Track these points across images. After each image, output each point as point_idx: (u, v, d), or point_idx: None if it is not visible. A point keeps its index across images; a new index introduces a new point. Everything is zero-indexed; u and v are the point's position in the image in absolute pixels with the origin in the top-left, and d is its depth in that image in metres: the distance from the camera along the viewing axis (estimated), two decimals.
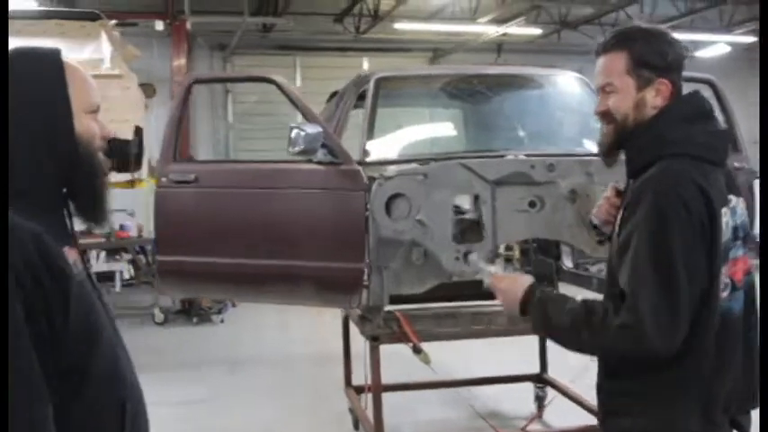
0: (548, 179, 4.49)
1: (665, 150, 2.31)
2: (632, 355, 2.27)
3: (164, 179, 4.82)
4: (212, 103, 17.44)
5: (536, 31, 16.94)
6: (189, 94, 5.09)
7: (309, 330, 9.63)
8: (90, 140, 1.89)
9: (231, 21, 15.18)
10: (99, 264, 11.36)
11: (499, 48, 19.01)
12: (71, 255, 1.79)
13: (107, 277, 11.75)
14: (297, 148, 4.46)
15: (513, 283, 2.55)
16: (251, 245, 4.64)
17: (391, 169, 4.50)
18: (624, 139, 2.42)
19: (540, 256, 6.09)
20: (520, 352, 6.64)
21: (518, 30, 16.37)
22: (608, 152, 2.51)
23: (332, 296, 4.70)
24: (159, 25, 14.65)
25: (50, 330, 1.67)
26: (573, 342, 2.38)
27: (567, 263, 5.86)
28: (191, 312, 11.11)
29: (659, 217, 2.20)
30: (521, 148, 5.03)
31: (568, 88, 5.76)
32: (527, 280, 2.53)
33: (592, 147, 5.26)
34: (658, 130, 2.34)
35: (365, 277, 4.47)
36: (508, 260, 12.76)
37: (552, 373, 6.44)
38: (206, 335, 10.45)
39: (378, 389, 4.72)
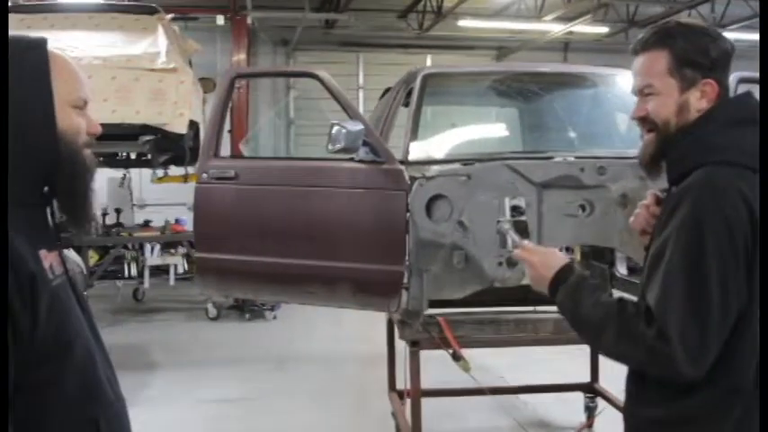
0: (598, 183, 4.30)
1: (709, 157, 2.09)
2: (659, 377, 2.08)
3: (204, 175, 4.74)
4: (274, 98, 17.49)
5: (603, 29, 16.60)
6: (231, 89, 5.00)
7: (362, 329, 9.50)
8: (74, 136, 1.77)
9: (293, 16, 15.15)
10: (153, 257, 11.39)
11: (566, 47, 18.77)
12: (48, 258, 1.68)
13: (162, 270, 11.80)
14: (337, 146, 4.33)
15: (548, 257, 2.35)
16: (289, 244, 4.54)
17: (433, 169, 4.36)
18: (667, 147, 2.21)
19: (593, 261, 5.89)
20: (572, 359, 6.43)
21: (584, 28, 16.07)
22: (650, 163, 2.29)
23: (370, 299, 4.57)
24: (220, 20, 14.69)
25: (16, 343, 1.55)
26: (596, 339, 2.19)
27: (622, 269, 5.64)
28: (244, 308, 11.10)
29: (696, 229, 2.00)
30: (571, 150, 4.83)
31: (624, 88, 5.51)
32: (563, 258, 2.33)
33: None
34: (702, 135, 2.13)
35: (404, 280, 4.33)
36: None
37: (603, 382, 6.21)
38: (258, 331, 10.41)
39: (417, 395, 4.58)
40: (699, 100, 2.16)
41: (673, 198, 2.13)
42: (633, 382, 2.26)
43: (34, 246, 1.66)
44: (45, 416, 1.63)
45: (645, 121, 2.24)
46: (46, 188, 1.78)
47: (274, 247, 4.54)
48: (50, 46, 1.80)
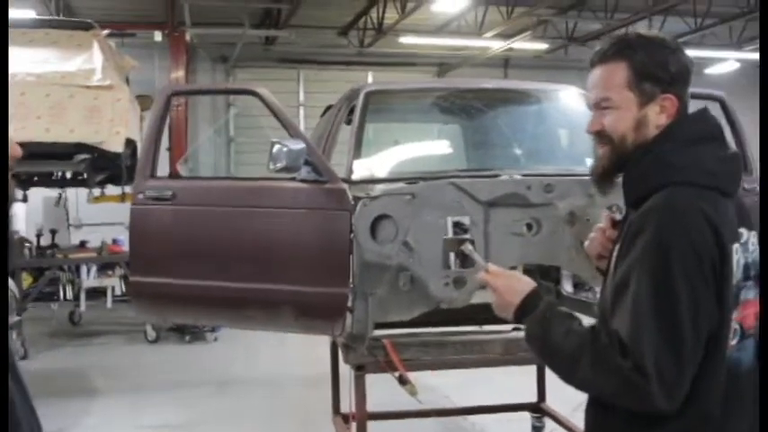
0: (545, 201, 4.21)
1: (670, 177, 2.01)
2: (629, 408, 1.98)
3: (140, 195, 4.57)
4: (214, 115, 17.28)
5: (542, 45, 16.76)
6: (168, 107, 4.84)
7: (305, 350, 9.28)
8: None
9: (232, 32, 15.00)
10: (90, 279, 11.11)
11: (506, 63, 18.89)
12: None
13: (99, 292, 11.50)
14: (278, 165, 4.20)
15: (513, 281, 2.21)
16: (228, 266, 4.38)
17: (378, 188, 4.24)
18: (622, 163, 2.12)
19: (539, 279, 5.83)
20: (520, 378, 6.34)
21: (524, 45, 16.18)
22: (602, 178, 2.20)
23: (313, 323, 4.43)
24: (158, 36, 14.49)
25: None
26: (569, 369, 2.04)
27: (567, 287, 5.58)
28: (184, 330, 10.87)
29: (662, 255, 1.91)
30: (517, 167, 4.75)
31: (570, 104, 5.47)
32: (529, 283, 2.19)
33: None
34: (662, 154, 2.04)
35: (349, 303, 4.20)
36: None
37: (551, 402, 6.14)
38: (199, 354, 10.20)
39: (363, 419, 4.45)
40: (658, 115, 2.08)
41: (633, 223, 2.03)
42: (596, 411, 2.15)
43: None
44: None
45: (601, 135, 2.15)
46: None
47: (213, 270, 4.38)
48: None
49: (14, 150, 1.73)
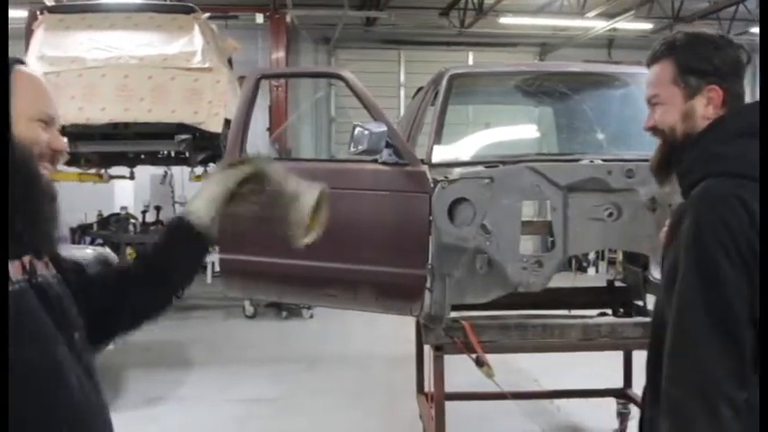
0: (625, 186, 4.18)
1: (713, 168, 2.03)
2: None
3: None
4: (315, 97, 17.50)
5: (647, 25, 16.38)
6: (257, 90, 4.96)
7: (398, 328, 9.40)
8: (29, 146, 1.76)
9: (333, 14, 15.15)
10: None
11: (610, 43, 18.54)
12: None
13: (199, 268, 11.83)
14: (360, 148, 4.28)
15: None
16: (311, 246, 4.48)
17: (456, 172, 4.27)
18: (675, 154, 2.17)
19: (627, 264, 5.78)
20: (608, 364, 6.31)
21: (628, 25, 15.86)
22: (658, 169, 2.27)
23: (392, 303, 4.51)
24: (259, 18, 14.73)
25: None
26: None
27: (656, 273, 5.51)
28: (281, 306, 11.11)
29: (702, 245, 1.93)
30: (599, 152, 4.71)
31: None
32: None
33: None
34: (708, 145, 2.08)
35: (427, 284, 4.26)
36: (611, 263, 12.38)
37: (637, 389, 6.08)
38: (293, 330, 10.43)
39: (440, 400, 4.51)
40: (705, 107, 2.13)
41: (676, 214, 2.09)
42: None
43: None
44: None
45: (655, 130, 2.23)
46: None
47: (296, 250, 4.49)
48: (23, 66, 1.83)
49: (58, 144, 1.85)
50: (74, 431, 1.73)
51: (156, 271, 2.11)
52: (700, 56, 2.13)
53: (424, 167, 4.40)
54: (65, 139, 1.90)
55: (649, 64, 2.24)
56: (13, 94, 1.75)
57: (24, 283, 1.70)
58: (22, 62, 1.84)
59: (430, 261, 4.23)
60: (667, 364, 2.03)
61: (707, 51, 2.13)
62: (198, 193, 2.14)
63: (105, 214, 12.80)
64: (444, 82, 4.99)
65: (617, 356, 6.02)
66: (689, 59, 2.13)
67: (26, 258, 1.75)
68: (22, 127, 1.75)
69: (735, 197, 1.94)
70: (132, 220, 11.60)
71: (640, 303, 5.57)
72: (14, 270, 1.69)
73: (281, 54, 15.10)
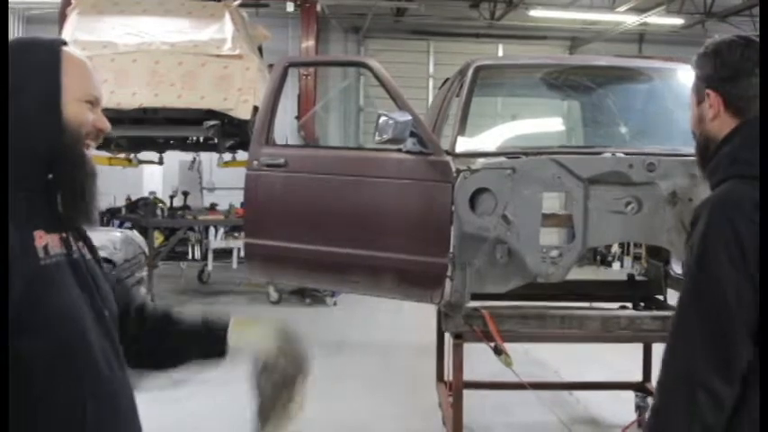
0: (646, 179, 4.22)
1: (732, 171, 2.09)
2: None
3: (255, 162, 4.81)
4: (344, 86, 17.57)
5: (678, 20, 16.28)
6: (284, 78, 5.04)
7: (421, 317, 9.46)
8: (78, 126, 1.84)
9: (363, 3, 15.21)
10: (217, 240, 11.58)
11: (641, 38, 18.45)
12: (43, 239, 1.73)
13: (225, 253, 11.98)
14: (384, 137, 4.34)
15: None
16: (334, 232, 4.57)
17: (478, 162, 4.33)
18: (699, 155, 2.28)
19: (650, 259, 5.81)
20: (629, 357, 6.33)
21: (659, 19, 15.78)
22: (699, 167, 2.36)
23: (412, 290, 4.58)
24: (290, 6, 14.80)
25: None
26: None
27: (677, 268, 5.54)
28: (304, 293, 11.20)
29: (706, 247, 2.01)
30: (621, 145, 4.75)
31: (683, 83, 5.40)
32: None
33: None
34: (731, 148, 2.14)
35: (448, 272, 4.32)
36: (636, 258, 12.36)
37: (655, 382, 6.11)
38: (317, 317, 10.50)
39: (459, 388, 4.58)
40: (708, 110, 2.21)
41: (696, 211, 2.14)
42: None
43: (30, 225, 1.72)
44: (24, 390, 1.67)
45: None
46: (50, 175, 1.83)
47: (320, 236, 4.58)
48: (68, 47, 1.89)
49: (103, 124, 1.92)
50: (100, 407, 1.80)
51: (164, 346, 2.15)
52: (701, 63, 2.24)
53: (448, 157, 4.45)
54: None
55: None
56: (63, 75, 1.83)
57: (62, 257, 1.78)
58: (65, 43, 1.90)
59: (451, 250, 4.29)
60: (663, 353, 2.10)
61: (706, 58, 2.23)
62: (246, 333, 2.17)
63: (134, 198, 12.97)
64: (470, 73, 5.04)
65: (637, 350, 6.06)
66: (698, 67, 2.25)
67: (64, 234, 1.83)
68: (72, 108, 1.82)
69: (749, 200, 1.99)
70: (160, 205, 11.74)
71: (661, 298, 5.60)
72: (54, 243, 1.77)
73: (310, 43, 15.16)
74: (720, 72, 2.19)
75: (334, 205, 4.61)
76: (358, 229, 4.54)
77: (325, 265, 4.64)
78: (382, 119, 4.34)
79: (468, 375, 4.72)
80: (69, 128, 1.81)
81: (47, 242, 1.74)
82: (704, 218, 2.03)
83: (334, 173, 4.68)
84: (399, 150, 4.47)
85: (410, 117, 4.39)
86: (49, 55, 1.84)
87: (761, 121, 2.09)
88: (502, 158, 4.36)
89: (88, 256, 1.93)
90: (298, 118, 14.32)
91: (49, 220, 1.80)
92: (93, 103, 1.89)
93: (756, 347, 1.98)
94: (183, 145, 11.19)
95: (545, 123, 6.24)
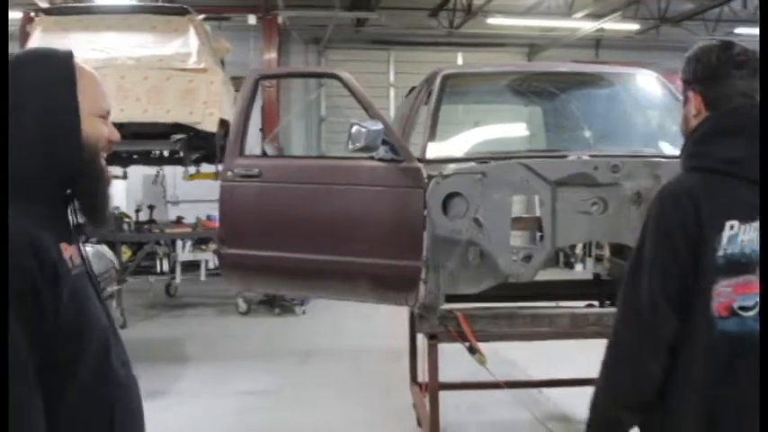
0: (611, 181, 4.37)
1: (687, 163, 2.35)
2: None
3: (229, 173, 4.89)
4: (306, 97, 17.65)
5: (634, 26, 16.58)
6: (256, 90, 5.13)
7: (389, 322, 9.55)
8: (96, 143, 1.91)
9: (324, 15, 15.31)
10: (185, 253, 11.61)
11: (597, 44, 18.74)
12: (68, 251, 1.82)
13: (193, 266, 12.01)
14: (357, 145, 4.45)
15: None
16: (310, 240, 4.66)
17: (450, 167, 4.46)
18: None
19: (613, 258, 5.97)
20: (596, 355, 6.46)
21: (615, 25, 16.06)
22: None
23: (387, 293, 4.69)
24: (252, 19, 14.88)
25: (39, 329, 1.69)
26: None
27: None
28: (273, 303, 11.28)
29: (642, 234, 2.30)
30: (586, 149, 4.91)
31: (642, 87, 5.60)
32: None
33: (665, 148, 5.12)
34: (689, 144, 2.38)
35: (421, 275, 4.44)
36: (599, 259, 12.54)
37: None
38: (286, 326, 10.59)
39: (435, 388, 4.68)
40: (692, 110, 2.41)
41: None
42: None
43: (56, 239, 1.80)
44: (61, 398, 1.77)
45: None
46: (69, 190, 1.92)
47: (296, 243, 4.67)
48: (77, 59, 1.93)
49: (115, 136, 2.00)
50: (122, 407, 1.91)
51: None
52: (687, 66, 2.42)
53: (419, 164, 4.58)
54: None
55: None
56: (80, 90, 1.88)
57: (81, 268, 1.87)
58: (73, 55, 1.93)
59: (424, 253, 4.40)
60: None
61: (688, 62, 2.42)
62: None
63: None
64: (438, 81, 5.17)
65: (602, 349, 6.20)
66: (683, 71, 2.43)
67: (78, 246, 1.92)
68: (89, 124, 1.89)
69: (685, 191, 2.23)
70: (126, 219, 11.73)
71: None
72: (74, 255, 1.86)
73: (273, 55, 15.25)
74: (699, 74, 2.38)
75: (309, 213, 4.70)
76: (333, 235, 4.64)
77: (302, 272, 4.73)
78: (355, 128, 4.45)
79: (439, 378, 4.83)
80: (88, 144, 1.88)
81: (71, 254, 1.83)
82: (650, 206, 2.32)
83: (308, 182, 4.78)
84: (372, 158, 4.58)
85: (382, 126, 4.51)
86: (65, 71, 1.88)
87: (761, 121, 2.25)
88: (472, 163, 4.49)
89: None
90: (262, 130, 14.38)
91: (68, 233, 1.89)
92: (105, 116, 1.96)
93: (679, 319, 2.22)
94: (146, 159, 11.19)
95: (510, 129, 6.40)
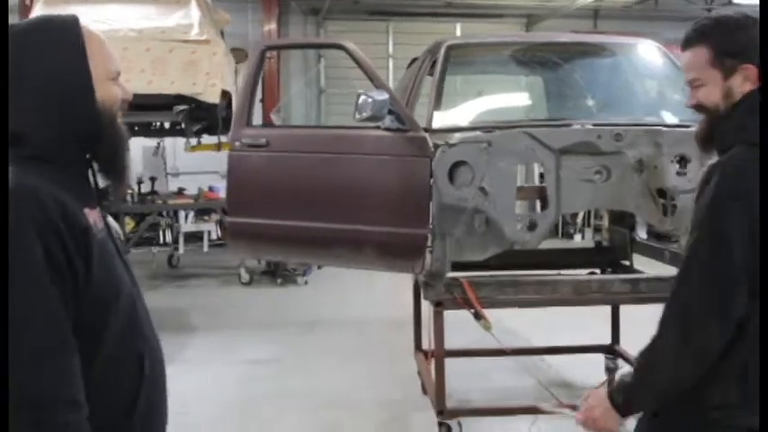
0: (614, 149, 4.45)
1: (741, 137, 2.30)
2: None
3: (237, 143, 4.94)
4: (305, 67, 17.63)
5: None
6: (262, 61, 5.18)
7: (392, 293, 9.61)
8: (112, 105, 1.95)
9: None
10: (187, 224, 11.68)
11: (596, 14, 18.68)
12: (91, 215, 1.86)
13: (196, 237, 12.09)
14: (363, 115, 4.51)
15: (596, 405, 2.49)
16: (317, 208, 4.73)
17: (455, 137, 4.52)
18: (715, 127, 2.44)
19: (614, 226, 6.05)
20: (597, 322, 6.58)
21: None
22: (702, 140, 2.52)
23: (394, 261, 4.76)
24: None
25: (74, 288, 1.76)
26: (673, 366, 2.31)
27: (641, 234, 5.80)
28: (276, 273, 11.36)
29: (716, 210, 2.22)
30: (589, 118, 4.98)
31: (644, 57, 5.65)
32: (600, 392, 2.50)
33: (666, 117, 5.18)
34: (739, 117, 2.34)
35: (428, 243, 4.52)
36: (597, 229, 12.62)
37: (624, 344, 6.37)
38: (289, 296, 10.67)
39: (440, 354, 4.76)
40: (742, 84, 2.36)
41: (706, 173, 2.34)
42: None
43: (80, 203, 1.85)
44: (98, 352, 1.84)
45: (699, 107, 2.47)
46: (88, 155, 1.97)
47: (303, 212, 4.74)
48: (85, 26, 1.95)
49: (129, 95, 2.03)
50: (150, 360, 1.99)
51: None
52: (731, 38, 2.36)
53: (425, 133, 4.64)
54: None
55: (683, 49, 2.47)
56: (90, 53, 1.90)
57: (104, 231, 1.93)
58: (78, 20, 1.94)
59: (431, 221, 4.48)
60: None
61: (735, 33, 2.37)
62: None
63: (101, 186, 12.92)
64: (443, 52, 5.22)
65: (604, 317, 6.31)
66: (722, 44, 2.36)
67: (100, 210, 1.97)
68: (102, 89, 1.91)
69: (750, 166, 2.21)
70: (129, 191, 11.78)
71: (627, 263, 5.85)
72: (97, 219, 1.91)
73: (272, 26, 15.24)
74: (752, 45, 2.35)
75: (316, 182, 4.77)
76: (340, 204, 4.71)
77: (309, 241, 4.80)
78: (362, 98, 4.51)
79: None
80: (104, 109, 1.91)
81: (94, 218, 1.88)
82: (714, 181, 2.24)
83: (315, 151, 4.85)
84: (378, 128, 4.64)
85: (387, 96, 4.57)
86: (73, 36, 1.89)
87: (761, 122, 2.28)
88: (477, 133, 4.56)
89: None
90: (262, 101, 14.39)
91: (89, 197, 1.94)
92: (116, 78, 1.98)
93: (752, 300, 2.19)
94: (146, 131, 11.21)
95: (513, 98, 6.46)
